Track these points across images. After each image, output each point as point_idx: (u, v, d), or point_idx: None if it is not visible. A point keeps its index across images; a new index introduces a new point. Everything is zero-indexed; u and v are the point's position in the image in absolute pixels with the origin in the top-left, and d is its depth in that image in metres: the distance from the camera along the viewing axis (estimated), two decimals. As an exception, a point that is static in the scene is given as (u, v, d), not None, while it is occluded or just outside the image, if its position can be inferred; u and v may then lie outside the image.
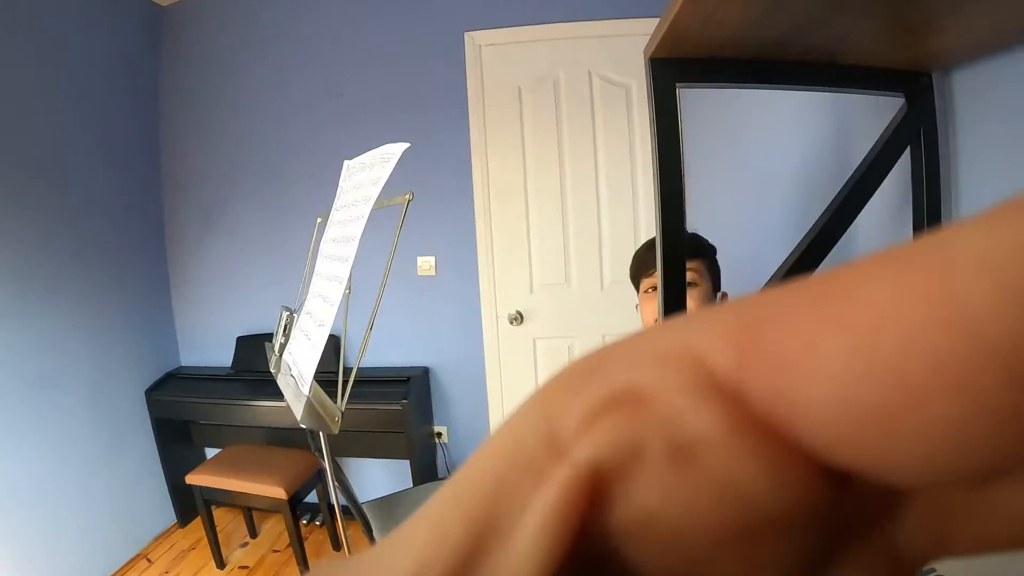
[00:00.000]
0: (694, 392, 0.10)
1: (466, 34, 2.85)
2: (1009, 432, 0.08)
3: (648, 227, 2.84)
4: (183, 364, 3.36)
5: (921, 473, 0.09)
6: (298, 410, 1.36)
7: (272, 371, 1.78)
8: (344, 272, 1.29)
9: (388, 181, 1.30)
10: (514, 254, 2.99)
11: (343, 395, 1.26)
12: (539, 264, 2.98)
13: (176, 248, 3.33)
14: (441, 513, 0.12)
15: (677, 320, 0.11)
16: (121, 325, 2.96)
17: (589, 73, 2.83)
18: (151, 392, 3.04)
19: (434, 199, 2.91)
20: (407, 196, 1.30)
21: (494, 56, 2.87)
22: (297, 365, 1.47)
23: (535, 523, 0.11)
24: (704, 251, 1.43)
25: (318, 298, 1.44)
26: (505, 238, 2.99)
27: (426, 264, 3.04)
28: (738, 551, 0.11)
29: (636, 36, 2.73)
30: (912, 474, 0.09)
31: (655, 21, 2.59)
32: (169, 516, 3.15)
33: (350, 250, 1.30)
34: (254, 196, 3.18)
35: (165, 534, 3.10)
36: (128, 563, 2.83)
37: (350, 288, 1.30)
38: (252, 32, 3.12)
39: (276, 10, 3.08)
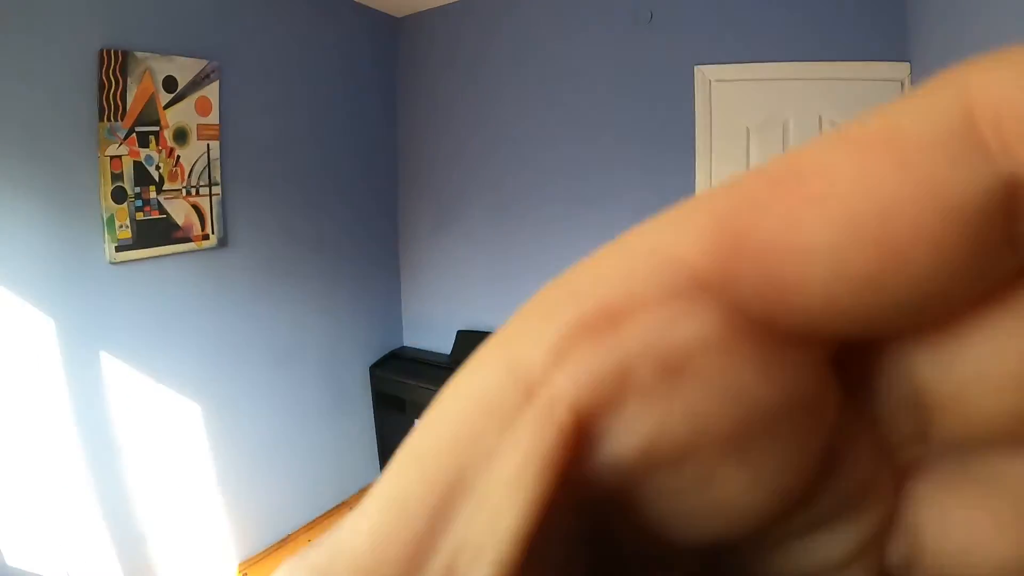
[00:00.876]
0: (676, 297, 0.10)
1: (696, 68, 2.83)
2: (974, 266, 0.09)
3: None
4: (406, 344, 3.77)
5: (910, 315, 0.10)
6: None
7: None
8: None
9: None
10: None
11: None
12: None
13: (408, 241, 3.73)
14: (396, 478, 0.11)
15: (640, 227, 0.11)
16: (353, 308, 3.41)
17: (819, 118, 2.66)
18: (375, 368, 3.46)
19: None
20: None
21: (723, 92, 2.81)
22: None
23: (509, 469, 0.10)
24: None
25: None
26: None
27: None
28: (745, 459, 0.10)
29: (869, 81, 2.53)
30: (903, 317, 0.10)
31: (891, 65, 2.40)
32: (374, 473, 3.58)
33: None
34: (484, 201, 3.43)
35: (368, 488, 3.52)
36: (333, 509, 3.30)
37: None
38: (487, 44, 3.34)
39: (508, 23, 3.26)
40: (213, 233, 2.70)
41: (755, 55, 2.72)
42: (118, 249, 2.34)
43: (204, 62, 2.57)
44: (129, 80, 2.31)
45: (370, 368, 3.47)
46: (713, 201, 0.10)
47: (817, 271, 0.09)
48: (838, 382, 0.11)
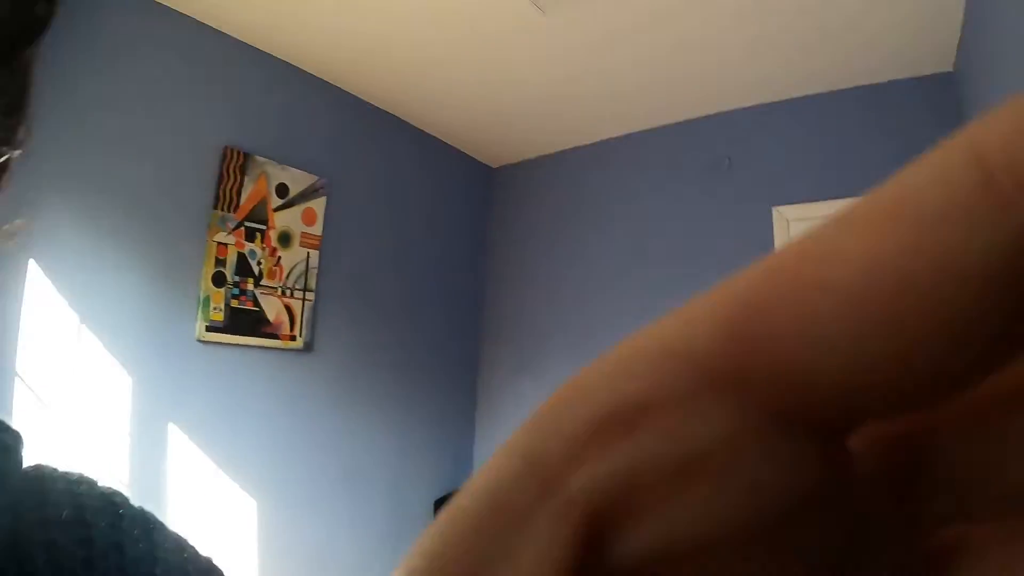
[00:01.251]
0: (690, 397, 0.10)
1: (774, 209, 2.88)
2: (1004, 334, 0.08)
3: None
4: (477, 488, 3.60)
5: (936, 393, 0.09)
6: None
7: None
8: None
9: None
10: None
11: None
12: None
13: (487, 381, 3.73)
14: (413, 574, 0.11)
15: (654, 324, 0.11)
16: (425, 437, 3.35)
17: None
18: (440, 503, 3.30)
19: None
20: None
21: (802, 230, 2.82)
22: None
23: (525, 569, 0.10)
24: None
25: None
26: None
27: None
28: (770, 547, 0.10)
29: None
30: (928, 396, 0.09)
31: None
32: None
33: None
34: (567, 347, 3.43)
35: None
36: (385, 654, 2.98)
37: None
38: (575, 195, 3.55)
39: (594, 175, 3.47)
40: (300, 335, 2.82)
41: (830, 192, 2.75)
42: (208, 329, 2.48)
43: (315, 177, 2.87)
44: (246, 178, 2.59)
45: (435, 502, 3.32)
46: (724, 294, 0.10)
47: (832, 360, 0.09)
48: (867, 460, 0.11)
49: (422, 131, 3.47)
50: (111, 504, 0.38)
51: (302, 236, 2.85)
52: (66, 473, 0.38)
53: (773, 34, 2.55)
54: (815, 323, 0.09)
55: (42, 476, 0.37)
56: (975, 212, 0.08)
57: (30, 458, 0.36)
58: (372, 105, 3.19)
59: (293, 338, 2.80)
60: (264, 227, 2.69)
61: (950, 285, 0.08)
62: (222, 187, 2.52)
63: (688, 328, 0.10)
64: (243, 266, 2.62)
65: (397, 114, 3.32)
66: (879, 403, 0.09)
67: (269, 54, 2.75)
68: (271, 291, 2.72)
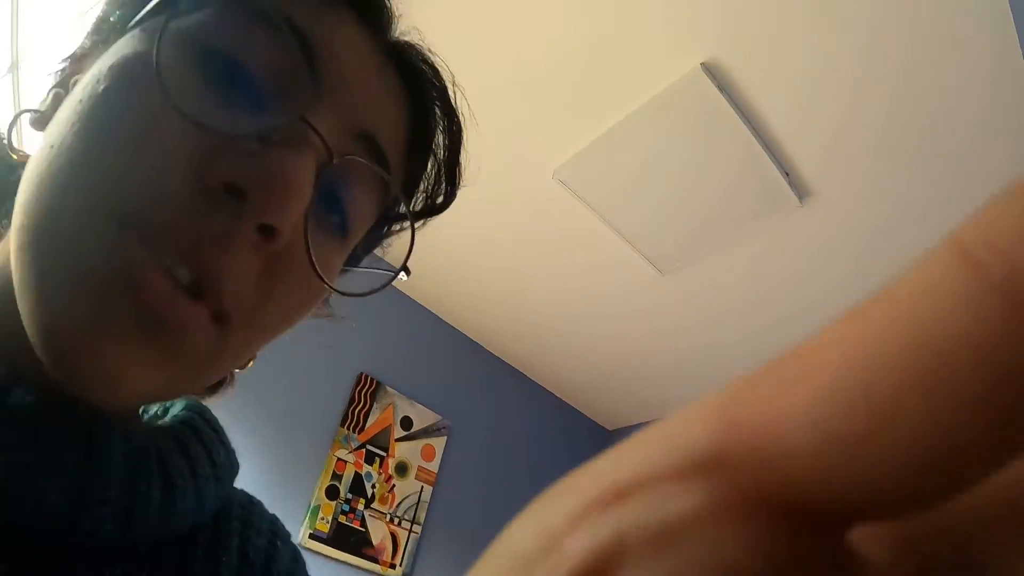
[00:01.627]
0: (678, 472, 0.10)
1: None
2: (977, 437, 0.08)
3: None
4: None
5: (904, 490, 0.09)
6: None
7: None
8: None
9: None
10: None
11: None
12: None
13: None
14: None
15: (664, 420, 0.12)
16: None
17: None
18: None
19: None
20: None
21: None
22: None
23: None
24: None
25: None
26: None
27: None
28: None
29: None
30: (895, 493, 0.09)
31: None
32: None
33: None
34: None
35: None
36: None
37: None
38: None
39: None
40: (400, 565, 2.92)
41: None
42: (311, 537, 2.69)
43: (439, 417, 3.18)
44: (375, 405, 2.98)
45: None
46: (725, 387, 0.11)
47: (804, 441, 0.09)
48: (838, 549, 0.11)
49: (543, 387, 3.76)
50: (296, 550, 0.48)
51: (419, 470, 3.08)
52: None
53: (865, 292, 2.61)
54: (791, 404, 0.09)
55: (252, 497, 0.49)
56: (950, 290, 0.08)
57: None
58: (500, 359, 3.59)
59: (393, 566, 2.89)
60: (384, 454, 2.99)
61: (919, 361, 0.08)
62: (351, 408, 2.91)
63: (687, 417, 0.11)
64: (358, 486, 2.88)
65: (522, 369, 3.67)
66: (855, 485, 0.09)
67: (413, 299, 3.31)
68: (380, 515, 2.92)
